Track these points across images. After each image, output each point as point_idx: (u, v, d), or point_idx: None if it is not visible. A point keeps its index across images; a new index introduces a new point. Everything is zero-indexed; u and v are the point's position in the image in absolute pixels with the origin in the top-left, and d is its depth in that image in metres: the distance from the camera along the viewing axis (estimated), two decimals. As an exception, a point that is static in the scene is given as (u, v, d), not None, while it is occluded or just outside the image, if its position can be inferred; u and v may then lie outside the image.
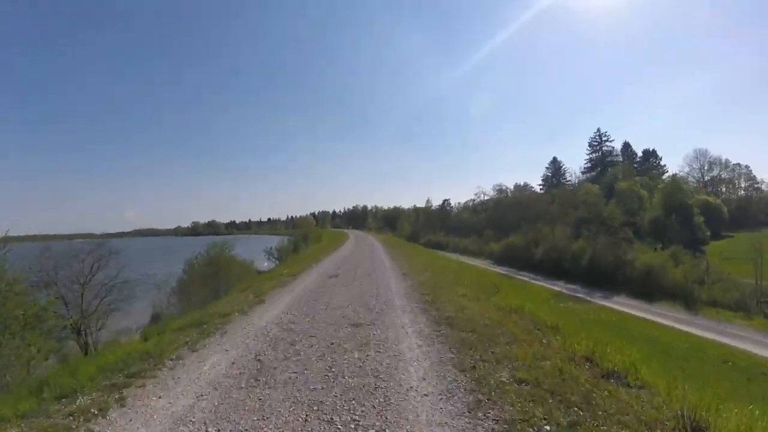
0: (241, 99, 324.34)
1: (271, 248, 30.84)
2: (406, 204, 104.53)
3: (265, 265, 28.38)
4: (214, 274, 16.39)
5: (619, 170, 52.50)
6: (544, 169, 71.59)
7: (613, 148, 64.33)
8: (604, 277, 27.22)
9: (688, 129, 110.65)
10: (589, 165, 64.92)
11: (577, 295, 24.73)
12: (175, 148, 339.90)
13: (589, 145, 65.46)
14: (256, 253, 37.18)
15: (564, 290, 25.41)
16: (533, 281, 28.55)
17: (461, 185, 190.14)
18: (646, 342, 15.82)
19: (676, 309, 23.41)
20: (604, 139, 64.56)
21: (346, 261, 17.09)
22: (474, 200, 66.45)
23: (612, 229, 31.49)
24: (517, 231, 41.86)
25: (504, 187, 58.89)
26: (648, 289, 25.31)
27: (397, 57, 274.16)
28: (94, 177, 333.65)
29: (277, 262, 28.91)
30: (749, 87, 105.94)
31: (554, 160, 71.17)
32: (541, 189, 65.49)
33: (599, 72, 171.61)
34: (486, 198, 62.98)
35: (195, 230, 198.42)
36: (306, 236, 48.41)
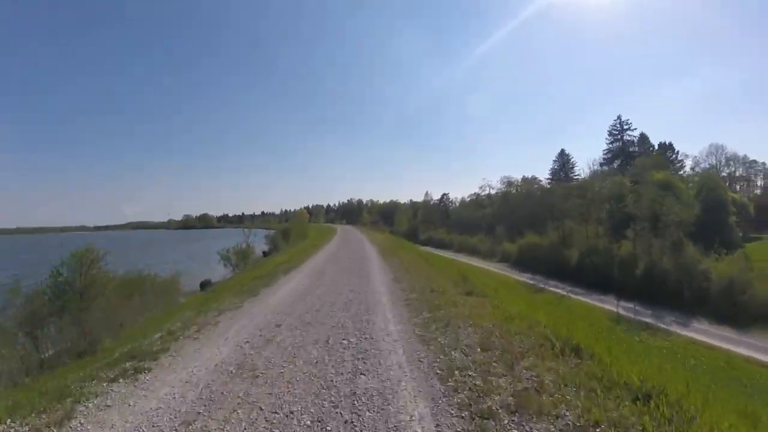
0: (239, 96, 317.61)
1: (227, 251, 23.50)
2: (403, 200, 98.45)
3: (215, 275, 21.35)
4: (61, 310, 8.69)
5: (647, 160, 45.79)
6: (552, 163, 65.62)
7: (635, 138, 57.84)
8: (667, 293, 20.57)
9: (698, 123, 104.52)
10: (608, 156, 58.09)
11: (644, 319, 17.93)
12: (172, 143, 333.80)
13: (609, 134, 58.58)
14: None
15: (621, 311, 18.59)
16: (573, 296, 21.80)
17: (459, 184, 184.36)
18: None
19: (778, 340, 16.98)
20: (625, 127, 57.82)
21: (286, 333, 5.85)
22: (479, 194, 60.02)
23: (665, 230, 24.91)
24: (532, 228, 35.31)
25: (513, 180, 52.21)
26: (732, 310, 18.79)
27: (396, 55, 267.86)
28: (94, 173, 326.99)
29: (235, 269, 21.75)
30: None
31: (562, 153, 65.15)
32: (549, 183, 59.31)
33: (603, 67, 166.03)
34: (492, 191, 56.50)
35: (187, 223, 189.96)
36: (287, 233, 41.34)
